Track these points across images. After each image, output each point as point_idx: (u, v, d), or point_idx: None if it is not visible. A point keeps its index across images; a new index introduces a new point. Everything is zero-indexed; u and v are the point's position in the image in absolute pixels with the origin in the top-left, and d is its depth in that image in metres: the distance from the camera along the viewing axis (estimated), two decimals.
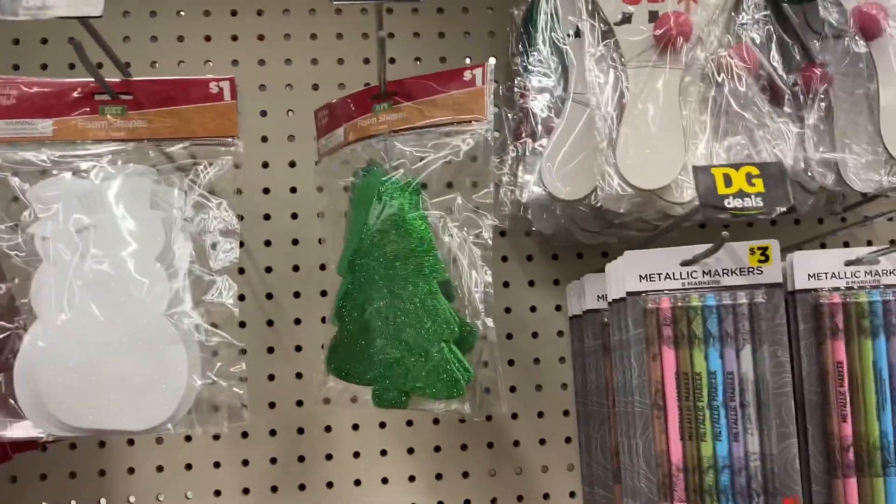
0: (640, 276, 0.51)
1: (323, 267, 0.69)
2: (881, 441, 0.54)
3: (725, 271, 0.50)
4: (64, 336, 0.44)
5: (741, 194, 0.43)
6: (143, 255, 0.46)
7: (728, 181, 0.44)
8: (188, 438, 0.67)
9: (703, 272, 0.50)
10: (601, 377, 0.60)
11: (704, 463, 0.49)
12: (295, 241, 0.70)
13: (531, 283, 0.72)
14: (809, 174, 0.54)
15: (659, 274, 0.50)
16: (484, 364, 0.52)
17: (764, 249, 0.49)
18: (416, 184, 0.52)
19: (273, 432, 0.68)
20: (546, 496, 0.69)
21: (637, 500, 0.52)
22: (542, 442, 0.70)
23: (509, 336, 0.71)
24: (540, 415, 0.70)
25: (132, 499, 0.66)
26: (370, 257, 0.52)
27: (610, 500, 0.59)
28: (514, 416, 0.70)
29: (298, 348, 0.69)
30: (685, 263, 0.50)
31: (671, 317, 0.50)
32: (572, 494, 0.69)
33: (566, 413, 0.70)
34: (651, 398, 0.50)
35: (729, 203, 0.42)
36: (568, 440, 0.70)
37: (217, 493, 0.67)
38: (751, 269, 0.50)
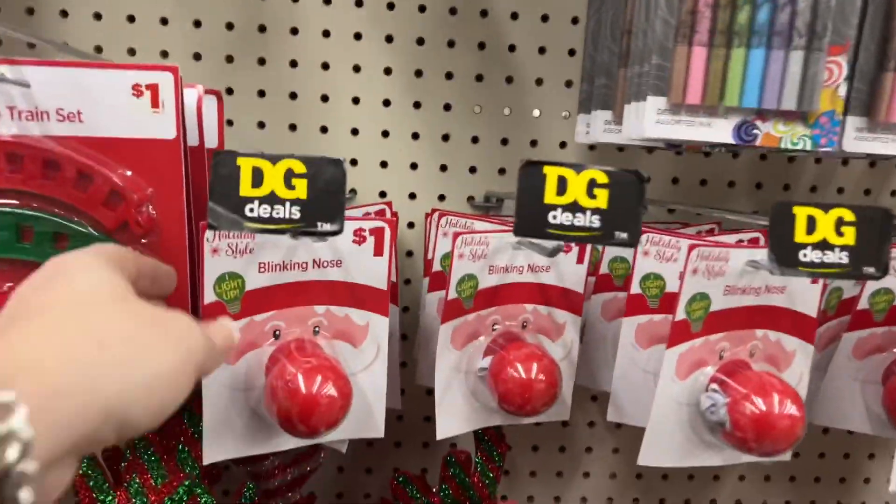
0: None
1: None
2: None
3: None
4: None
5: None
6: None
7: None
8: None
9: None
10: None
11: None
12: None
13: None
14: None
15: None
16: None
17: None
18: None
19: None
20: (539, 110, 0.61)
21: (646, 57, 0.43)
22: (542, 50, 0.61)
23: None
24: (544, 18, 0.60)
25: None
26: None
27: (610, 88, 0.51)
28: (514, 15, 0.60)
29: None
30: None
31: None
32: (566, 114, 0.61)
33: (574, 20, 0.60)
34: None
35: None
36: (572, 52, 0.61)
37: (164, 53, 0.58)
38: None
